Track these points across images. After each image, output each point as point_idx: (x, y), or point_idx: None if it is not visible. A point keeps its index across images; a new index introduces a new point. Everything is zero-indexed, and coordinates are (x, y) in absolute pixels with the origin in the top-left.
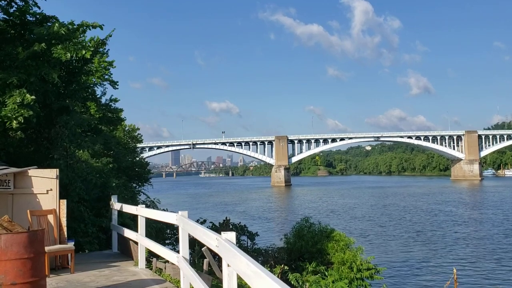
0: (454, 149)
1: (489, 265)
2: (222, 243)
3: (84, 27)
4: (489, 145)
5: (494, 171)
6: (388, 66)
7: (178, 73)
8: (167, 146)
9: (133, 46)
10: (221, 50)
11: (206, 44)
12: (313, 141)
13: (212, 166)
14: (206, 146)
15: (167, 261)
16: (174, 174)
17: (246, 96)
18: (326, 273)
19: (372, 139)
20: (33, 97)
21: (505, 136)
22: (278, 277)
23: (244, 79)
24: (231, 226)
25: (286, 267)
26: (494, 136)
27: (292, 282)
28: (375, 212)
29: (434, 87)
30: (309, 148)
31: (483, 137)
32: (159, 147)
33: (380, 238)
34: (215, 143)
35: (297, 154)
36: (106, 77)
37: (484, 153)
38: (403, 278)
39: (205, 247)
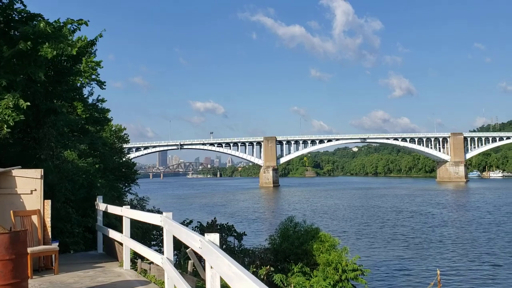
0: (439, 151)
1: (473, 267)
2: (205, 245)
3: (70, 25)
4: (474, 147)
5: (479, 173)
6: (370, 68)
7: (160, 72)
8: (154, 146)
9: (113, 45)
10: (203, 49)
11: (187, 43)
12: (301, 142)
13: (200, 167)
14: (193, 146)
15: (152, 262)
16: (161, 175)
17: (231, 96)
18: (312, 274)
19: (359, 141)
20: (27, 103)
21: (490, 139)
22: (263, 278)
23: (228, 79)
24: (218, 227)
25: (272, 268)
26: (479, 138)
27: (277, 283)
28: (361, 213)
29: (416, 89)
30: (297, 149)
31: (468, 139)
32: (146, 148)
33: (365, 239)
34: (203, 144)
35: (286, 155)
36: (94, 77)
37: (469, 155)
38: (387, 279)
39: (190, 248)
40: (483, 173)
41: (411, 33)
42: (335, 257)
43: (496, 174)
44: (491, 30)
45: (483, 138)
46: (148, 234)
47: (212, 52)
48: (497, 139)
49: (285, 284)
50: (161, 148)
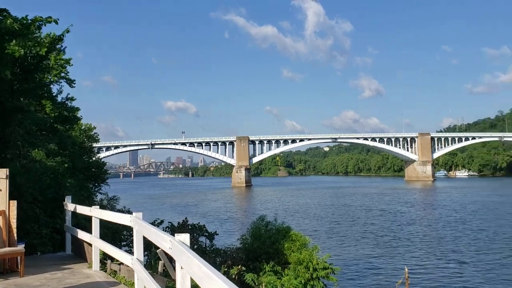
0: (408, 150)
1: (440, 264)
2: (175, 245)
3: (38, 22)
4: (441, 147)
5: (446, 172)
6: (341, 69)
7: (130, 71)
8: (125, 146)
9: (82, 43)
10: (174, 48)
11: (159, 42)
12: (273, 141)
13: (172, 167)
14: (165, 146)
15: (122, 263)
16: (132, 174)
17: (203, 96)
18: (283, 273)
19: (330, 140)
20: None
21: (456, 139)
22: (235, 277)
23: (200, 78)
24: (189, 227)
25: (243, 268)
26: (446, 138)
27: (249, 283)
28: (331, 212)
29: (385, 90)
30: (269, 149)
31: (435, 139)
32: (116, 147)
33: (336, 238)
34: (174, 143)
35: (258, 154)
36: (63, 75)
37: (436, 154)
38: (357, 277)
39: (160, 248)
40: (450, 172)
41: (380, 35)
42: (306, 255)
43: (462, 174)
44: (457, 33)
45: (449, 138)
46: (118, 235)
47: (184, 51)
48: (463, 139)
49: (256, 284)
50: (132, 148)
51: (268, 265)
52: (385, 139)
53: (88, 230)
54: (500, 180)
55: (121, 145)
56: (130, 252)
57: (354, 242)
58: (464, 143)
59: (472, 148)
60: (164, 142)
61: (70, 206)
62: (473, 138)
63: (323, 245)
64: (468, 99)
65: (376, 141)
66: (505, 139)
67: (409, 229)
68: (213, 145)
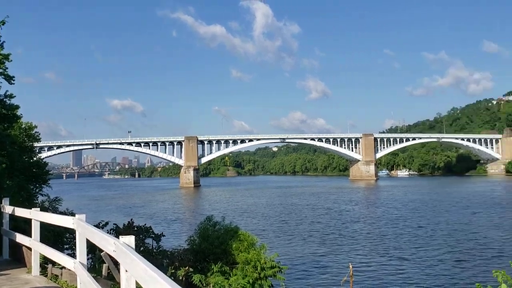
0: (352, 151)
1: (383, 261)
2: (120, 248)
3: None
4: (383, 148)
5: (388, 171)
6: (289, 70)
7: (74, 68)
8: (68, 145)
9: (22, 38)
10: (120, 45)
11: (104, 40)
12: (222, 142)
13: (117, 167)
14: (110, 146)
15: (64, 267)
16: (76, 175)
17: (150, 95)
18: (231, 273)
19: (279, 141)
20: None
21: (398, 139)
22: (182, 279)
23: (146, 76)
24: (135, 228)
25: (191, 269)
26: (388, 139)
27: (196, 284)
28: (279, 211)
29: (331, 92)
30: (218, 149)
31: (378, 140)
32: (59, 147)
33: (284, 237)
34: (120, 143)
35: (207, 155)
36: (1, 71)
37: (379, 155)
38: (304, 275)
39: (104, 251)
40: (392, 171)
41: (327, 38)
42: (254, 255)
43: (403, 173)
44: (399, 37)
45: (391, 139)
46: (60, 238)
47: (130, 50)
48: (404, 140)
49: (204, 284)
50: (76, 147)
51: (216, 265)
52: (331, 140)
53: (28, 233)
54: (438, 179)
55: (64, 145)
56: (73, 255)
57: (301, 241)
58: (405, 144)
59: (412, 148)
60: (110, 141)
61: (7, 209)
62: (413, 139)
63: (271, 244)
64: (409, 101)
65: (322, 141)
66: (443, 140)
67: (354, 227)
68: (160, 145)
